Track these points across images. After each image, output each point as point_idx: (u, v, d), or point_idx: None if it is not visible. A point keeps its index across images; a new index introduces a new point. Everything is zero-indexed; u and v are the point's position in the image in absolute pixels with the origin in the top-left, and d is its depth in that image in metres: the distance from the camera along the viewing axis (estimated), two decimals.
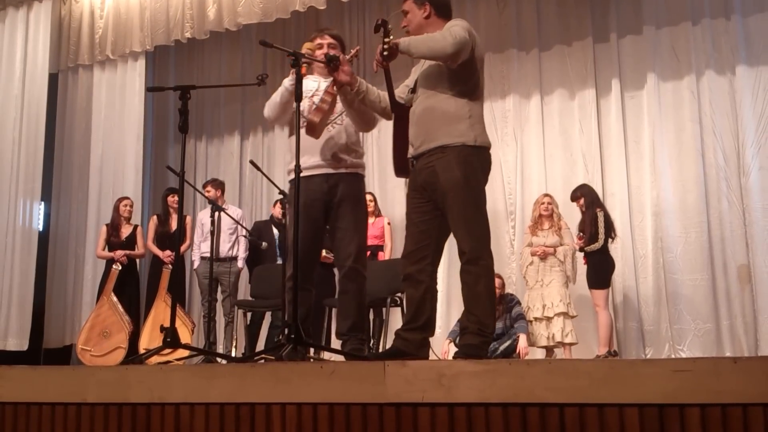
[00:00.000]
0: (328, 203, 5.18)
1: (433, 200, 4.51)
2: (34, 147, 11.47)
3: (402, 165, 4.66)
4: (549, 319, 8.49)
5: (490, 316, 4.42)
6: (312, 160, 5.14)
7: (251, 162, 7.95)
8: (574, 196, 9.02)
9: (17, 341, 10.79)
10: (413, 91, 4.73)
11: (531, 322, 8.56)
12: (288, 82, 5.03)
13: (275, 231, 9.64)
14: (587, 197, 8.90)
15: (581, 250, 8.74)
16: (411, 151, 4.61)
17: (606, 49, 10.17)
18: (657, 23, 9.93)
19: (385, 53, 4.32)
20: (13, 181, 11.40)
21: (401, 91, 4.79)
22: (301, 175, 4.80)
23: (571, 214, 9.16)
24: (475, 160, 4.46)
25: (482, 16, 10.80)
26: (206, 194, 9.51)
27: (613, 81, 10.01)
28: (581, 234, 8.79)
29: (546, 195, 9.12)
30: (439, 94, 4.51)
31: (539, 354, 8.64)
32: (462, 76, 4.50)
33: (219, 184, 9.97)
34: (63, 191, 11.99)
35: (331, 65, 4.84)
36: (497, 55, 10.63)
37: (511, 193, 10.27)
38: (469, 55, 4.43)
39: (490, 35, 10.66)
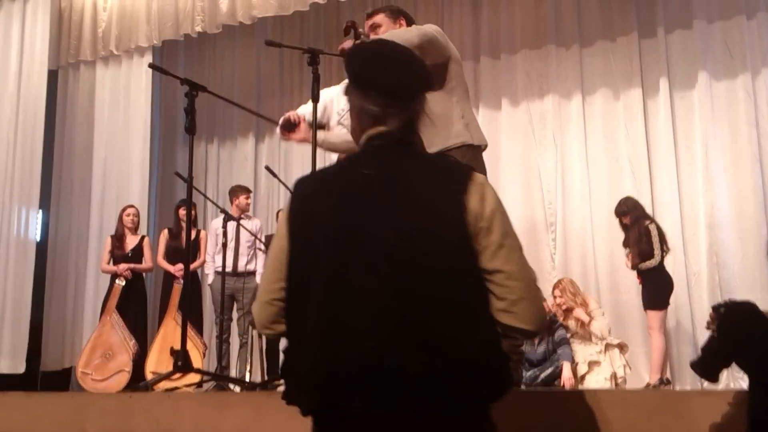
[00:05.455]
0: None
1: None
2: (31, 150, 11.44)
3: None
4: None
5: None
6: None
7: (267, 168, 7.95)
8: (621, 212, 8.76)
9: (11, 363, 10.71)
10: None
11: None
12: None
13: None
14: (632, 212, 8.68)
15: (634, 268, 8.59)
16: None
17: (653, 45, 10.10)
18: (708, 17, 9.84)
19: None
20: (7, 187, 11.33)
21: None
22: None
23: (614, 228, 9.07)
24: (481, 160, 4.54)
25: (518, 10, 10.78)
26: (235, 205, 9.47)
27: (661, 80, 9.93)
28: (628, 252, 8.63)
29: (553, 291, 9.00)
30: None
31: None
32: (442, 77, 4.53)
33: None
34: (63, 198, 12.03)
35: (287, 130, 5.12)
36: (534, 52, 10.62)
37: (551, 202, 10.20)
38: (444, 54, 4.51)
39: (527, 30, 10.66)
